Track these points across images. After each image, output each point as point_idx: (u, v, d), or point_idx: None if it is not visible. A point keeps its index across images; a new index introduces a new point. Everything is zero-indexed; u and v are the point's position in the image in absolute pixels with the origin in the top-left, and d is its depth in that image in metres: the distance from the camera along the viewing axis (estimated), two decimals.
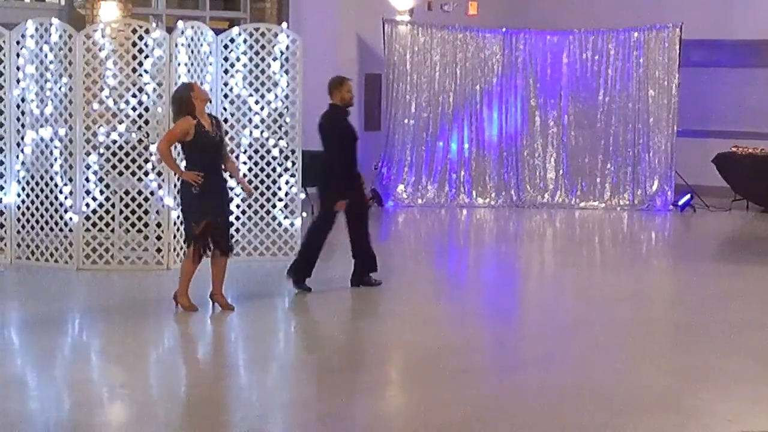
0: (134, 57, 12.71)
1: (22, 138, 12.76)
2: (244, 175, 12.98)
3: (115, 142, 12.57)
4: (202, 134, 10.41)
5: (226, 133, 12.47)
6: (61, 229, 12.66)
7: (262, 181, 13.13)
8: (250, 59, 13.06)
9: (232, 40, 13.06)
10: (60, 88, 12.56)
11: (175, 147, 10.98)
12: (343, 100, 11.82)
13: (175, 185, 12.40)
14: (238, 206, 13.10)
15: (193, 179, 10.33)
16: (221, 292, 10.77)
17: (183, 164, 10.82)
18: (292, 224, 13.23)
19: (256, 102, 13.09)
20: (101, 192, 12.58)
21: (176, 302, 10.72)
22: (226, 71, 13.02)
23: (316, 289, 12.07)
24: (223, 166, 10.68)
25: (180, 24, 12.63)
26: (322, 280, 12.75)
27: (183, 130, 10.39)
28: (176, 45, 12.48)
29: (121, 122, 12.57)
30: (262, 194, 13.18)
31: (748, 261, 14.35)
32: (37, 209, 12.74)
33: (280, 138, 13.16)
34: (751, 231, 17.32)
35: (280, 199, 13.21)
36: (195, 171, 10.40)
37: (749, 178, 18.49)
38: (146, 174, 12.59)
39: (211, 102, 10.97)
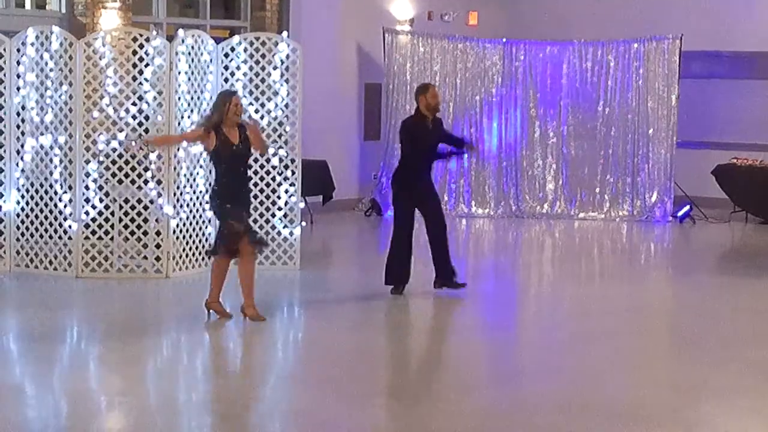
0: (134, 65, 12.71)
1: (22, 146, 12.75)
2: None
3: (114, 150, 12.56)
4: (225, 146, 10.49)
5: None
6: (60, 237, 12.65)
7: (261, 190, 13.12)
8: (251, 68, 13.06)
9: (232, 49, 13.06)
10: (60, 96, 12.56)
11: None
12: (428, 106, 11.96)
13: (178, 195, 12.42)
14: None
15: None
16: (252, 303, 10.66)
17: (212, 173, 11.14)
18: (291, 233, 13.21)
19: (256, 111, 13.08)
20: (101, 200, 12.57)
21: (208, 309, 10.77)
22: (226, 80, 13.02)
23: (314, 298, 12.07)
24: (246, 171, 10.89)
25: (180, 32, 12.63)
26: (319, 289, 12.75)
27: (192, 138, 10.56)
28: (176, 53, 12.47)
29: (121, 130, 12.56)
30: (261, 203, 13.16)
31: (747, 273, 14.34)
32: (36, 217, 12.73)
33: (280, 147, 13.16)
34: (750, 243, 17.31)
35: (280, 208, 13.19)
36: (218, 179, 10.63)
37: (749, 189, 18.48)
38: (146, 182, 12.58)
39: (241, 115, 10.86)
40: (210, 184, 11.75)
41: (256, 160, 13.07)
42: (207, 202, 11.40)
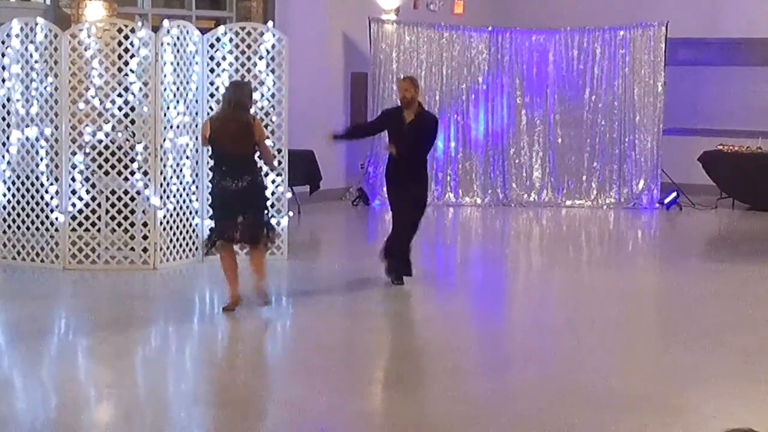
0: (120, 56, 12.68)
1: (8, 138, 12.72)
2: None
3: (101, 141, 12.55)
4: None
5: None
6: (47, 229, 12.63)
7: None
8: (236, 58, 13.04)
9: (218, 39, 13.04)
10: (46, 88, 12.53)
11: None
12: (400, 98, 12.04)
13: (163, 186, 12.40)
14: None
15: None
16: (259, 284, 10.91)
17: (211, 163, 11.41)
18: (278, 223, 13.20)
19: None
20: (87, 192, 12.55)
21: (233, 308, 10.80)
22: (212, 70, 13.00)
23: (302, 288, 12.08)
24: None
25: (166, 23, 12.61)
26: (307, 279, 12.76)
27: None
28: (162, 44, 12.45)
29: (107, 122, 12.54)
30: None
31: (733, 259, 14.38)
32: (23, 209, 12.71)
33: (267, 137, 13.13)
34: (737, 229, 17.35)
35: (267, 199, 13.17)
36: (215, 170, 10.92)
37: (735, 176, 18.53)
38: (132, 173, 12.57)
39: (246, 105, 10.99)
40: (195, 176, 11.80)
41: None
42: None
